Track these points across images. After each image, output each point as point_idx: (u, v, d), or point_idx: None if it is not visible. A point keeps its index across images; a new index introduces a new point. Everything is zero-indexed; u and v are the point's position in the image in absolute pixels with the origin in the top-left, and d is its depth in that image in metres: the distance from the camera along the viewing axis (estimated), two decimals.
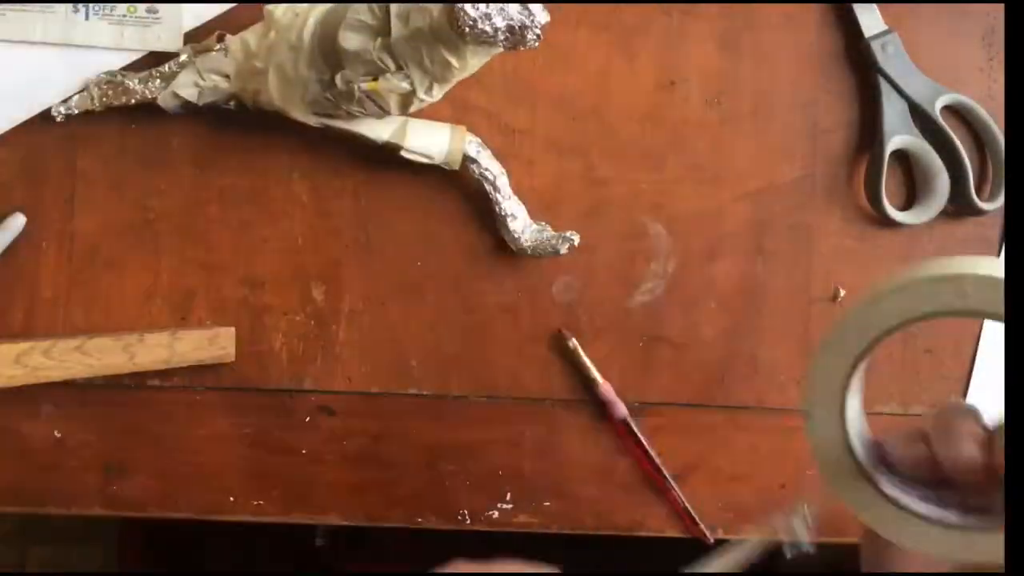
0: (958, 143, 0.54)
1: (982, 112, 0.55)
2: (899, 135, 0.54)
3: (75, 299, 0.55)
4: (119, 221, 0.55)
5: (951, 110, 0.56)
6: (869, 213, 0.56)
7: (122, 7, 0.53)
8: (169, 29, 0.53)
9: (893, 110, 0.55)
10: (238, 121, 0.55)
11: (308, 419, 0.56)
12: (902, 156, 0.56)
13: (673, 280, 0.56)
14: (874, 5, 0.55)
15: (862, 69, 0.56)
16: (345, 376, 0.56)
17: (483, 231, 0.56)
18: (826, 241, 0.56)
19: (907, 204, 0.57)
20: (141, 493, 0.56)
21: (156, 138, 0.55)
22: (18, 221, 0.55)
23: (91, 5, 0.53)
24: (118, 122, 0.55)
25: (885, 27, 0.55)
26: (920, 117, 0.55)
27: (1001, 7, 0.56)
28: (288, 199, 0.56)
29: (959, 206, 0.55)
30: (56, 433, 0.56)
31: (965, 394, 0.57)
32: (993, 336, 0.56)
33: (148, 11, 0.53)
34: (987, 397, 0.57)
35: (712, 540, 0.56)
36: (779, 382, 0.56)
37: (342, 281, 0.56)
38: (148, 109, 0.55)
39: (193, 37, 0.54)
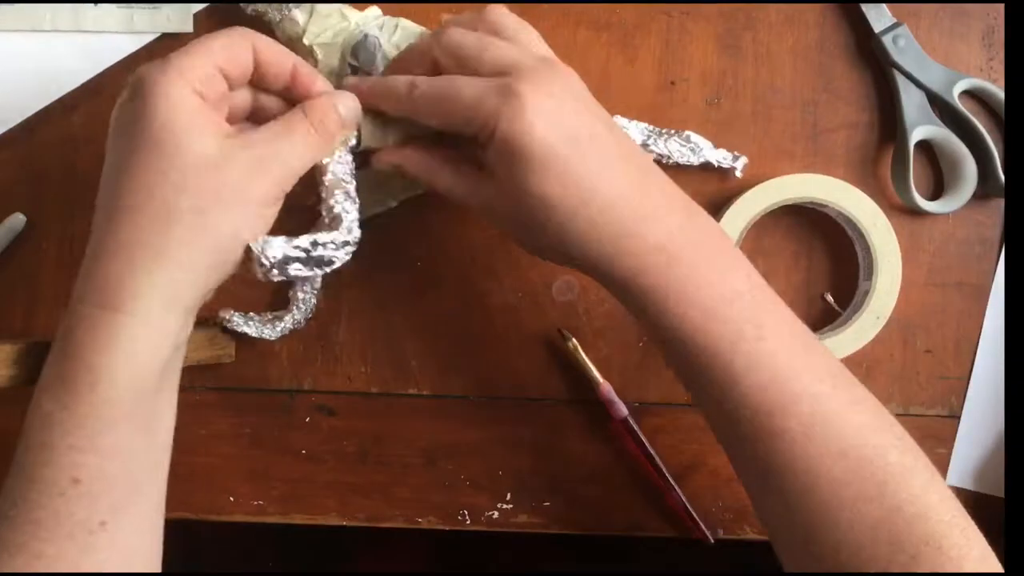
0: (981, 127, 0.54)
1: (1001, 93, 0.55)
2: (921, 126, 0.55)
3: None
4: None
5: (969, 95, 0.56)
6: None
7: None
8: (179, 10, 0.54)
9: (912, 102, 0.55)
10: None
11: (308, 419, 0.56)
12: (921, 147, 0.56)
13: None
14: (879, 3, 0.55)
15: (870, 66, 0.56)
16: (345, 376, 0.56)
17: (484, 230, 0.56)
18: (826, 240, 0.56)
19: (933, 195, 0.57)
20: None
21: None
22: (18, 221, 0.55)
23: None
24: None
25: (894, 20, 0.55)
26: (939, 106, 0.55)
27: (1001, 7, 0.56)
28: (288, 198, 0.55)
29: (989, 190, 0.55)
30: None
31: (964, 395, 0.57)
32: (993, 336, 0.56)
33: None
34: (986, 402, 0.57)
35: (712, 540, 0.56)
36: None
37: (342, 281, 0.56)
38: None
39: (203, 18, 0.54)
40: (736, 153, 0.55)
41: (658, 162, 0.54)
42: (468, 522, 0.57)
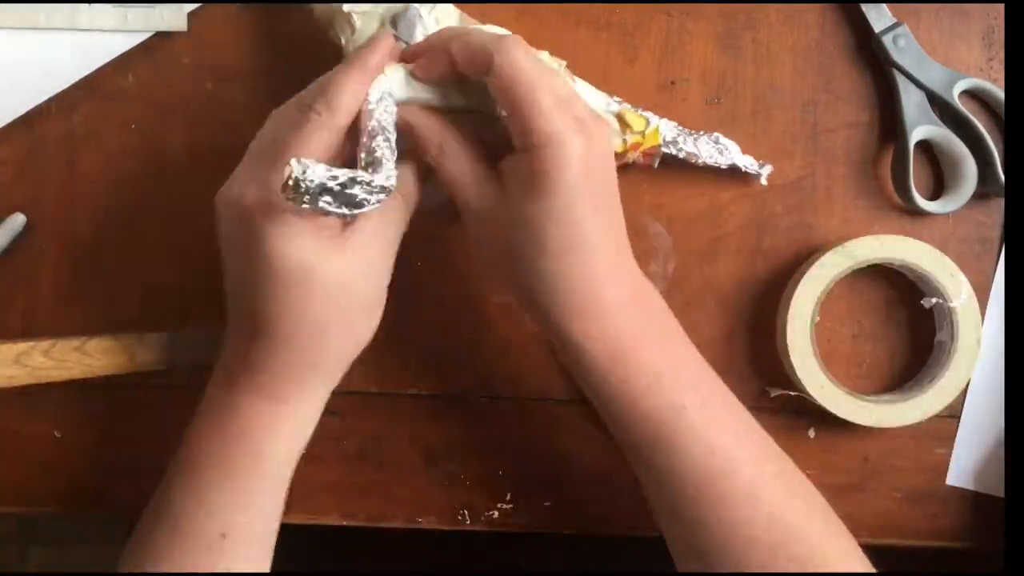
0: (981, 127, 0.54)
1: (1001, 93, 0.55)
2: (921, 126, 0.55)
3: (75, 299, 0.55)
4: (119, 221, 0.55)
5: (969, 95, 0.56)
6: (870, 213, 0.56)
7: None
8: (174, 8, 0.53)
9: (911, 102, 0.55)
10: (238, 121, 0.55)
11: None
12: (921, 147, 0.56)
13: (673, 280, 0.56)
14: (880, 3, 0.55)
15: (870, 66, 0.56)
16: (345, 376, 0.56)
17: None
18: (826, 241, 0.56)
19: (933, 195, 0.57)
20: (141, 493, 0.56)
21: (156, 138, 0.55)
22: (18, 221, 0.55)
23: None
24: (118, 122, 0.55)
25: (894, 20, 0.55)
26: (939, 106, 0.55)
27: (1001, 7, 0.56)
28: None
29: (989, 190, 0.55)
30: (56, 433, 0.56)
31: (964, 395, 0.57)
32: (993, 337, 0.56)
33: None
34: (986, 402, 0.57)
35: None
36: (779, 382, 0.56)
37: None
38: (148, 109, 0.55)
39: (172, 47, 0.54)
40: (763, 161, 0.55)
41: (686, 161, 0.54)
42: (468, 522, 0.57)
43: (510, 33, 0.44)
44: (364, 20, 0.49)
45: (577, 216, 0.42)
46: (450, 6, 0.50)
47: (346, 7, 0.49)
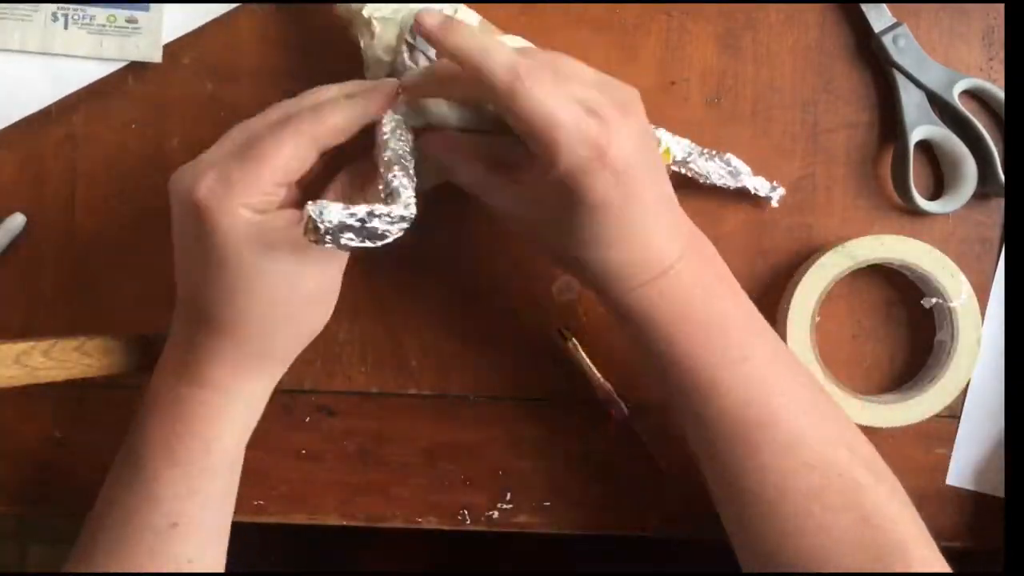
0: (981, 127, 0.54)
1: (1000, 93, 0.55)
2: (921, 126, 0.55)
3: (75, 299, 0.55)
4: (119, 221, 0.55)
5: (969, 95, 0.56)
6: (870, 213, 0.56)
7: (102, 16, 0.53)
8: (149, 39, 0.53)
9: (911, 102, 0.55)
10: (238, 122, 0.55)
11: (308, 419, 0.56)
12: (921, 147, 0.56)
13: None
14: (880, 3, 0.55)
15: (870, 66, 0.56)
16: (345, 376, 0.56)
17: (484, 230, 0.56)
18: (826, 241, 0.56)
19: (933, 195, 0.57)
20: None
21: (156, 138, 0.55)
22: (18, 221, 0.55)
23: (70, 14, 0.53)
24: (118, 122, 0.55)
25: (894, 20, 0.55)
26: (939, 106, 0.55)
27: (1001, 7, 0.56)
28: None
29: (989, 190, 0.55)
30: (56, 433, 0.56)
31: (964, 395, 0.57)
32: (993, 337, 0.56)
33: (128, 21, 0.53)
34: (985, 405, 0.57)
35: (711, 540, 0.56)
36: None
37: (343, 281, 0.56)
38: (148, 109, 0.55)
39: (172, 47, 0.54)
40: (774, 183, 0.55)
41: (695, 181, 0.54)
42: (468, 522, 0.57)
43: (516, 58, 0.42)
44: (384, 27, 0.49)
45: (618, 215, 0.43)
46: (471, 14, 0.50)
47: (366, 12, 0.49)
